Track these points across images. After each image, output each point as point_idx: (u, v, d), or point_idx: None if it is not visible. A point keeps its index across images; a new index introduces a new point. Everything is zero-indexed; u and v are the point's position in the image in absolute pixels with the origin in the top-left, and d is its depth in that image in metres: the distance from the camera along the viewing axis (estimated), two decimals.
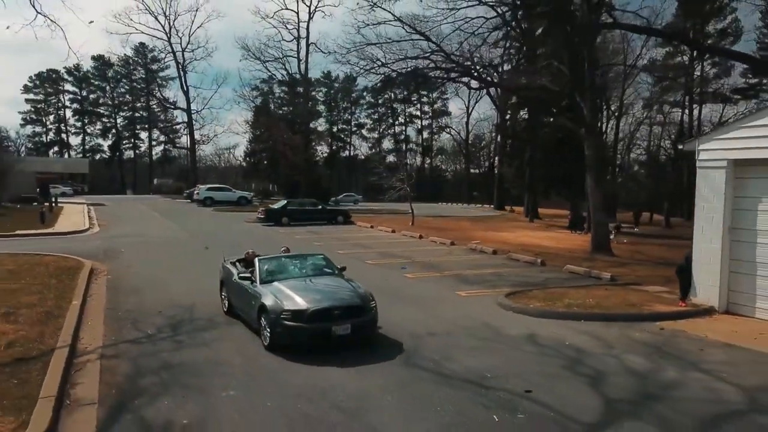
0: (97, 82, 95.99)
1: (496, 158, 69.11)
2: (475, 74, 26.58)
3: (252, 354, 9.46)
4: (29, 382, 7.69)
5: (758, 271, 12.00)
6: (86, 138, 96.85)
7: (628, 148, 67.74)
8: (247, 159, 78.53)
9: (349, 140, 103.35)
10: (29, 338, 9.57)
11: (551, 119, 36.45)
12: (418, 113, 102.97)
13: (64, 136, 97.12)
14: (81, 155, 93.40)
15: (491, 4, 25.83)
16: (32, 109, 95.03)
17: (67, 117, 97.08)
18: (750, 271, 12.17)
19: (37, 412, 6.74)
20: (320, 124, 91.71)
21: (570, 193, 39.21)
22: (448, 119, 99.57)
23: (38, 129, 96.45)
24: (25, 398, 7.13)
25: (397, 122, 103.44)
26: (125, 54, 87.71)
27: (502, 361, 9.30)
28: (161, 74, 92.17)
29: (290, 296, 9.63)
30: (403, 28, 23.96)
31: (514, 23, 32.88)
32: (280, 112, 74.61)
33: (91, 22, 20.43)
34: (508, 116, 56.22)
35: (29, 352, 8.92)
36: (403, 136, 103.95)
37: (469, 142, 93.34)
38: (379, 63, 24.00)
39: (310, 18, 60.84)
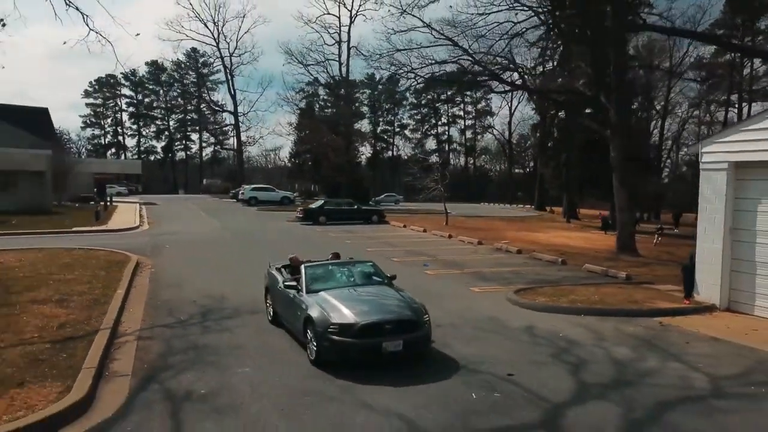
0: (151, 86, 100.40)
1: (537, 159, 68.95)
2: (503, 77, 27.11)
3: (266, 339, 10.57)
4: (75, 356, 8.98)
5: (758, 270, 12.38)
6: (141, 140, 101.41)
7: (677, 148, 66.46)
8: (292, 160, 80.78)
9: (392, 141, 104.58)
10: (78, 321, 10.96)
11: (579, 120, 36.51)
12: (462, 113, 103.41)
13: (120, 138, 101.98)
14: (136, 156, 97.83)
15: (524, 8, 26.32)
16: (92, 112, 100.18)
17: (124, 120, 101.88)
18: (750, 270, 12.56)
19: (79, 380, 7.99)
20: (364, 125, 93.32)
21: (600, 194, 39.16)
22: (491, 119, 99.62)
23: (97, 132, 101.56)
24: (71, 369, 8.41)
25: (440, 122, 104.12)
26: (178, 59, 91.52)
27: (495, 350, 10.10)
28: (211, 78, 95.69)
29: (338, 308, 9.07)
30: (432, 33, 24.78)
31: (541, 26, 33.21)
32: (324, 114, 76.34)
33: (138, 34, 22.34)
34: (546, 117, 56.18)
35: (77, 332, 10.27)
36: (446, 136, 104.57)
37: (513, 142, 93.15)
38: (408, 68, 24.90)
39: (351, 22, 62.29)
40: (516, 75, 33.87)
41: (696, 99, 60.27)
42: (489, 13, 25.56)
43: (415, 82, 26.81)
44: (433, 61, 25.32)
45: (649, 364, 9.41)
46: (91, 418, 7.13)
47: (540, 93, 33.55)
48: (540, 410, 7.52)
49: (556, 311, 12.80)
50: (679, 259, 22.82)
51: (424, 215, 41.87)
